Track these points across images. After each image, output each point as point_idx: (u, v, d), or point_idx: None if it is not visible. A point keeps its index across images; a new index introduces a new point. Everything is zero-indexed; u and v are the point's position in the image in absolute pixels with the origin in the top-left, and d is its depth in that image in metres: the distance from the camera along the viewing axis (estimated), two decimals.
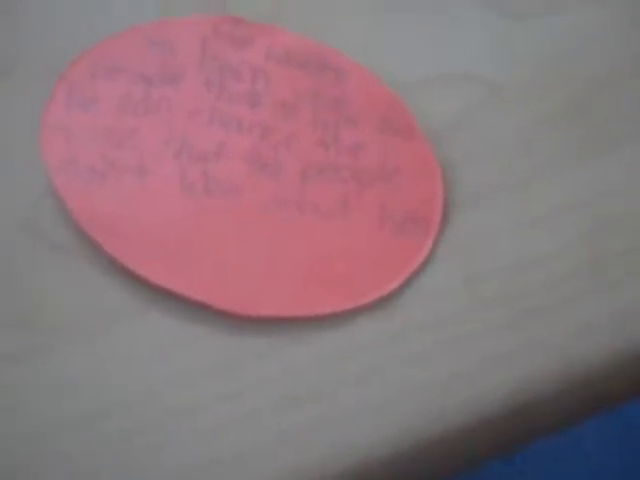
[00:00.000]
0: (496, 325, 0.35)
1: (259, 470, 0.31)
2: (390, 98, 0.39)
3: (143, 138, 0.37)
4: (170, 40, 0.39)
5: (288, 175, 0.37)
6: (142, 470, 0.31)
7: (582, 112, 0.41)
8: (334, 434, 0.32)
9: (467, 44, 0.42)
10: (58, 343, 0.33)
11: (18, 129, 0.37)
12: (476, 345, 0.35)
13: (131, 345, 0.33)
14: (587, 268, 0.37)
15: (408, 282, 0.36)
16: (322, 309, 0.34)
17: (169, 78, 0.38)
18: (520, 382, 0.34)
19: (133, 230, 0.35)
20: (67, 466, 0.31)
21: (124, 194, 0.35)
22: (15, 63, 0.39)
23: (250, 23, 0.40)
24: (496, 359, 0.34)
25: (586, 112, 0.41)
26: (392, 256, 0.36)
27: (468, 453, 0.34)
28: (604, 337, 0.35)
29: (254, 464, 0.31)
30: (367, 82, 0.40)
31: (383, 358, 0.34)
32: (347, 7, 0.42)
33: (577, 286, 0.36)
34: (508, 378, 0.34)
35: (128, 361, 0.33)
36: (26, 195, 0.36)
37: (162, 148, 0.37)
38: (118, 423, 0.32)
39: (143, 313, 0.34)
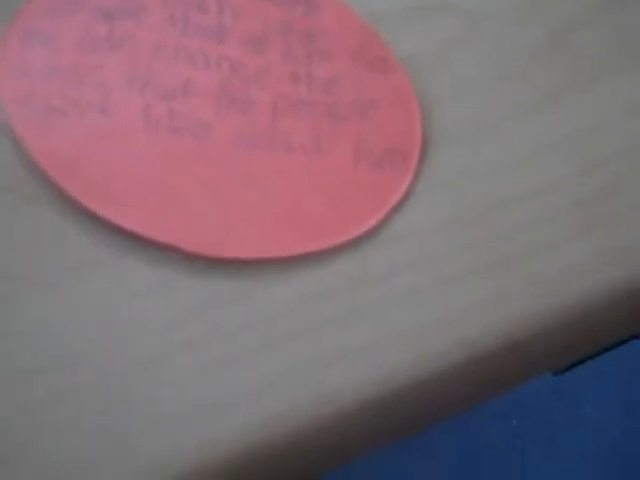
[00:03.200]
0: (477, 265, 0.34)
1: (237, 416, 0.30)
2: (364, 30, 0.38)
3: (105, 75, 0.35)
4: None
5: (258, 111, 0.35)
6: (116, 418, 0.29)
7: (562, 44, 0.39)
8: (311, 378, 0.31)
9: None
10: (20, 291, 0.31)
11: None
12: (456, 286, 0.33)
13: (98, 292, 0.32)
14: (569, 207, 0.35)
15: (386, 220, 0.34)
16: (296, 249, 0.33)
17: (131, 12, 0.36)
18: (504, 322, 0.33)
19: (95, 170, 0.33)
20: (35, 417, 0.29)
21: (85, 133, 0.34)
22: None
23: None
24: (478, 300, 0.33)
25: (566, 44, 0.39)
26: (369, 193, 0.34)
27: (455, 394, 0.32)
28: (588, 276, 0.34)
29: (231, 410, 0.30)
30: (340, 13, 0.38)
31: (361, 299, 0.32)
32: None
33: (560, 225, 0.35)
34: (490, 319, 0.33)
35: (95, 308, 0.31)
36: None
37: (125, 85, 0.35)
38: (86, 372, 0.30)
39: (109, 258, 0.32)
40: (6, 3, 0.37)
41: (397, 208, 0.34)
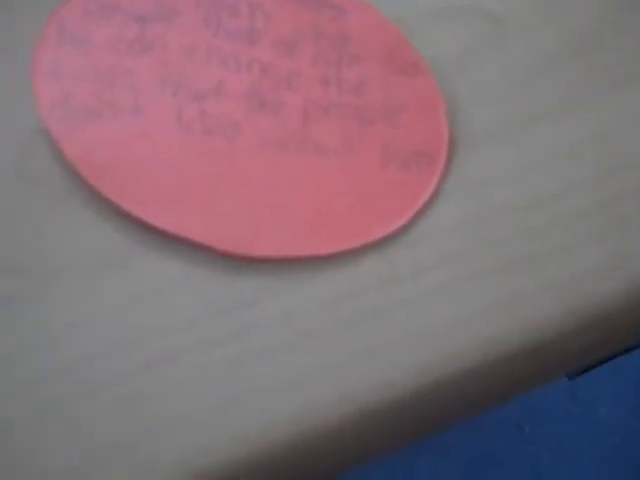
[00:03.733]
0: (503, 263, 0.34)
1: (261, 411, 0.30)
2: (393, 34, 0.38)
3: (138, 77, 0.36)
4: None
5: (289, 114, 0.36)
6: (139, 412, 0.30)
7: (589, 46, 0.39)
8: (342, 376, 0.31)
9: None
10: (55, 288, 0.32)
11: (9, 69, 0.36)
12: (483, 284, 0.34)
13: (131, 288, 0.32)
14: (594, 208, 0.36)
15: (414, 220, 0.35)
16: (326, 249, 0.33)
17: (164, 15, 0.37)
18: (531, 322, 0.33)
19: (129, 171, 0.34)
20: (65, 411, 0.30)
21: (119, 134, 0.34)
22: (7, 2, 0.38)
23: None
24: (505, 298, 0.33)
25: (591, 50, 0.39)
26: (397, 194, 0.35)
27: (480, 393, 0.33)
28: (613, 278, 0.34)
29: (261, 404, 0.30)
30: (369, 18, 0.38)
31: (390, 298, 0.33)
32: None
33: (584, 226, 0.35)
34: (517, 318, 0.33)
35: (127, 304, 0.32)
36: (19, 137, 0.35)
37: (158, 87, 0.35)
38: (118, 365, 0.31)
39: (141, 256, 0.33)
40: (41, 7, 0.37)
41: (424, 208, 0.35)
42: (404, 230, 0.34)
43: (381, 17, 0.38)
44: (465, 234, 0.35)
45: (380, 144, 0.36)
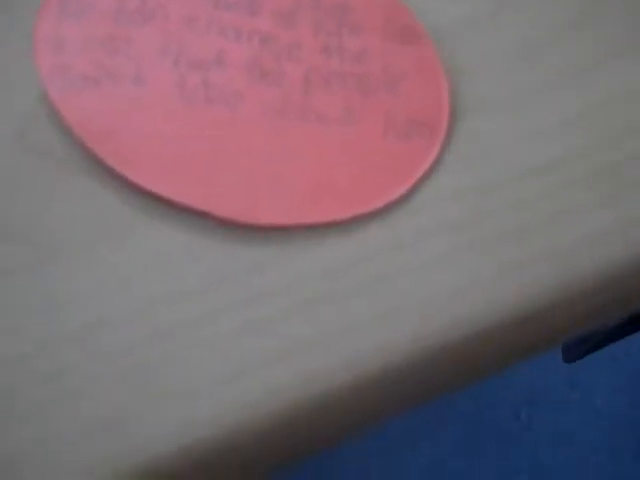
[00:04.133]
0: (504, 232, 0.34)
1: (268, 379, 0.30)
2: (393, 2, 0.38)
3: (139, 46, 0.36)
4: None
5: (290, 83, 0.36)
6: (147, 382, 0.30)
7: (590, 16, 0.39)
8: (344, 342, 0.31)
9: None
10: (56, 256, 0.32)
11: (10, 40, 0.36)
12: (484, 252, 0.34)
13: (132, 256, 0.32)
14: (593, 177, 0.36)
15: (415, 188, 0.35)
16: (327, 216, 0.33)
17: None
18: (529, 289, 0.33)
19: (131, 139, 0.34)
20: (69, 379, 0.30)
21: (120, 102, 0.34)
22: None
23: None
24: (504, 267, 0.33)
25: (594, 16, 0.40)
26: (398, 162, 0.35)
27: (480, 361, 0.33)
28: (611, 245, 0.34)
29: (263, 373, 0.31)
30: None
31: (391, 265, 0.33)
32: None
33: (584, 194, 0.35)
34: (516, 285, 0.33)
35: (129, 272, 0.32)
36: (20, 106, 0.35)
37: (159, 56, 0.35)
38: (121, 335, 0.31)
39: (143, 224, 0.33)
40: None
41: (425, 177, 0.35)
42: (405, 198, 0.34)
43: None
44: (466, 202, 0.35)
45: (381, 113, 0.36)
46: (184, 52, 0.36)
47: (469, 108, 0.37)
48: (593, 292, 0.34)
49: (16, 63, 0.36)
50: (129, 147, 0.33)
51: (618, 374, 1.14)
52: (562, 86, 0.38)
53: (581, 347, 0.95)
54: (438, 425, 1.10)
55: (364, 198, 0.34)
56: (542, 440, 1.10)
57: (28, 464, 0.28)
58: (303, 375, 0.31)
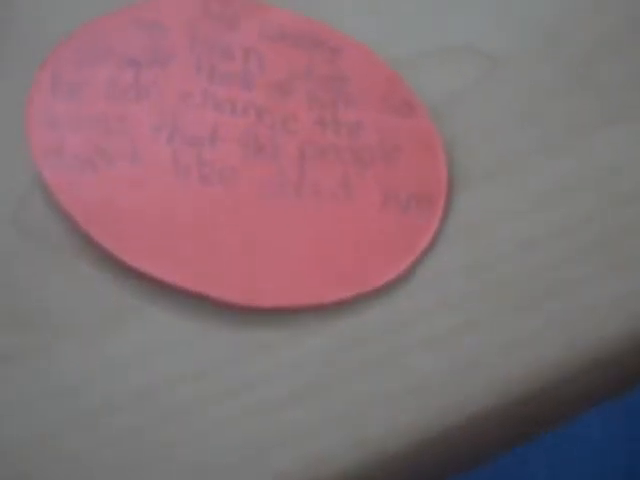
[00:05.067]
0: (508, 307, 0.34)
1: (271, 463, 0.30)
2: (388, 74, 0.38)
3: (133, 123, 0.35)
4: (158, 21, 0.38)
5: (286, 157, 0.35)
6: (151, 466, 0.30)
7: (584, 81, 0.39)
8: (348, 425, 0.31)
9: (464, 17, 0.41)
10: (55, 342, 0.32)
11: (3, 119, 0.36)
12: (489, 328, 0.33)
13: (131, 342, 0.32)
14: (596, 247, 0.36)
15: (415, 264, 0.34)
16: (327, 297, 0.33)
17: (158, 60, 0.37)
18: (535, 365, 0.33)
19: (126, 221, 0.33)
20: (75, 465, 0.29)
21: (116, 182, 0.34)
22: None
23: (240, 1, 0.39)
24: (510, 342, 0.33)
25: (588, 81, 0.39)
26: (397, 238, 0.35)
27: (487, 440, 0.33)
28: (616, 317, 0.34)
29: (266, 457, 0.30)
30: (363, 58, 0.38)
31: (395, 344, 0.33)
32: None
33: (587, 265, 0.35)
34: (522, 361, 0.33)
35: (129, 358, 0.32)
36: (14, 188, 0.34)
37: (154, 133, 0.35)
38: (124, 420, 0.30)
39: (142, 308, 0.33)
40: (33, 53, 0.37)
41: (424, 252, 0.35)
42: (406, 275, 0.34)
43: (376, 58, 0.38)
44: (467, 276, 0.34)
45: (379, 187, 0.35)
46: (179, 128, 0.35)
47: (467, 179, 0.37)
48: (597, 366, 0.34)
49: (8, 141, 0.35)
50: (125, 228, 0.33)
51: (613, 407, 1.14)
52: (559, 153, 0.38)
53: None
54: None
55: (365, 276, 0.34)
56: (539, 473, 1.10)
57: None
58: (308, 459, 0.30)
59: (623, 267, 0.35)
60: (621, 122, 0.39)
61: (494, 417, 0.32)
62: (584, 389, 0.34)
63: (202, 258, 0.33)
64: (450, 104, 0.38)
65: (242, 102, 0.36)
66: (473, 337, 0.33)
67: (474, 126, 0.38)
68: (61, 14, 0.38)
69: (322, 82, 0.37)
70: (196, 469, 0.30)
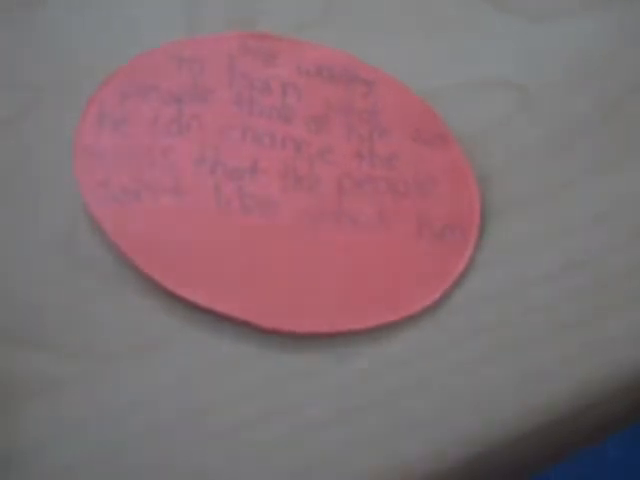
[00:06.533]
0: (538, 334, 0.35)
1: None
2: (421, 107, 0.39)
3: (176, 157, 0.36)
4: (199, 57, 0.39)
5: (324, 188, 0.37)
6: None
7: (615, 115, 0.40)
8: (389, 447, 0.32)
9: (496, 51, 0.42)
10: (105, 367, 0.33)
11: (52, 152, 0.37)
12: (524, 351, 0.34)
13: (177, 367, 0.33)
14: (624, 277, 0.37)
15: (450, 291, 0.35)
16: (367, 322, 0.34)
17: (199, 96, 0.38)
18: (571, 387, 0.34)
19: (171, 251, 0.34)
20: None
21: (160, 214, 0.35)
22: (47, 85, 0.39)
23: (277, 38, 0.40)
24: (545, 364, 0.34)
25: (619, 115, 0.40)
26: (432, 265, 0.36)
27: (523, 461, 0.33)
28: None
29: (311, 477, 0.31)
30: (398, 92, 0.39)
31: (432, 368, 0.34)
32: (374, 18, 0.42)
33: (617, 291, 0.36)
34: (558, 383, 0.34)
35: (175, 383, 0.32)
36: (63, 219, 0.35)
37: (196, 166, 0.36)
38: (171, 443, 0.31)
39: (187, 334, 0.34)
40: (81, 89, 0.38)
41: (459, 279, 0.36)
42: (439, 302, 0.35)
43: (409, 90, 0.39)
44: (500, 304, 0.35)
45: (414, 217, 0.36)
46: (220, 161, 0.37)
47: (499, 209, 0.38)
48: (630, 390, 0.34)
49: (57, 173, 0.36)
50: (170, 258, 0.34)
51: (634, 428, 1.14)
52: (590, 183, 0.39)
53: None
54: None
55: (401, 302, 0.35)
56: None
57: None
58: (353, 479, 0.31)
59: None
60: None
61: (533, 438, 0.33)
62: (612, 412, 0.35)
63: (245, 286, 0.34)
64: (482, 136, 0.39)
65: (281, 135, 0.38)
66: (503, 362, 0.34)
67: (505, 157, 0.39)
68: (108, 51, 0.40)
69: (358, 115, 0.38)
70: None
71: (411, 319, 0.35)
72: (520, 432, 0.33)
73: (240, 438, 0.32)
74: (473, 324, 0.35)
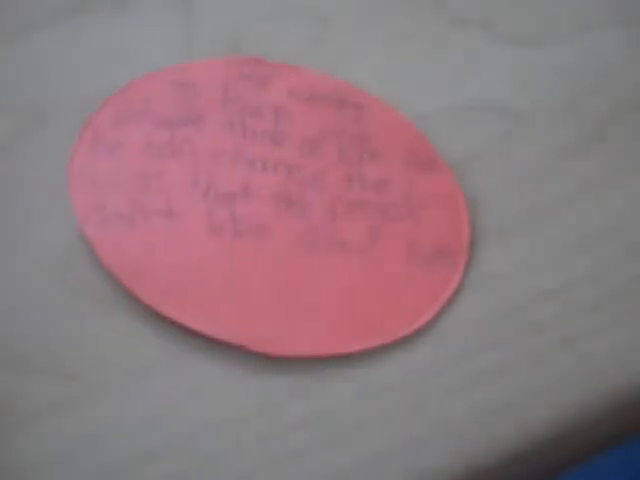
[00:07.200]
0: (528, 355, 0.35)
1: None
2: (412, 131, 0.40)
3: (169, 181, 0.37)
4: (192, 82, 0.39)
5: (316, 213, 0.37)
6: None
7: (605, 139, 0.41)
8: (377, 472, 0.32)
9: (486, 74, 0.42)
10: (96, 391, 0.33)
11: (47, 177, 0.37)
12: (514, 375, 0.35)
13: (170, 390, 0.33)
14: (616, 296, 0.37)
15: (439, 315, 0.36)
16: (356, 346, 0.35)
17: (192, 120, 0.38)
18: (561, 411, 0.34)
19: (164, 275, 0.35)
20: None
21: (153, 238, 0.36)
22: (41, 112, 0.39)
23: (270, 63, 0.41)
24: (535, 388, 0.35)
25: (609, 138, 0.41)
26: (422, 290, 0.36)
27: None
28: (635, 362, 0.35)
29: None
30: (388, 116, 0.40)
31: (420, 392, 0.34)
32: (363, 43, 0.43)
33: (606, 314, 0.37)
34: (549, 406, 0.34)
35: (167, 406, 0.33)
36: (57, 244, 0.36)
37: (189, 190, 0.37)
38: (162, 467, 0.32)
39: (178, 358, 0.34)
40: (75, 115, 0.39)
41: (448, 303, 0.36)
42: (428, 325, 0.36)
43: (400, 115, 0.40)
44: (489, 328, 0.36)
45: (404, 241, 0.37)
46: (213, 185, 0.37)
47: (488, 233, 0.38)
48: (619, 413, 0.35)
49: (51, 198, 0.37)
50: (163, 283, 0.35)
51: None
52: (580, 207, 0.39)
53: None
54: None
55: (389, 327, 0.35)
56: None
57: None
58: None
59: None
60: (638, 177, 0.40)
61: (521, 461, 0.33)
62: (608, 431, 0.35)
63: (236, 309, 0.35)
64: (471, 160, 0.40)
65: (273, 159, 0.38)
66: (495, 385, 0.34)
67: (495, 182, 0.39)
68: (102, 76, 0.40)
69: (349, 139, 0.39)
70: None
71: (401, 342, 0.35)
72: (512, 455, 0.33)
73: (231, 461, 0.32)
74: (463, 348, 0.35)
